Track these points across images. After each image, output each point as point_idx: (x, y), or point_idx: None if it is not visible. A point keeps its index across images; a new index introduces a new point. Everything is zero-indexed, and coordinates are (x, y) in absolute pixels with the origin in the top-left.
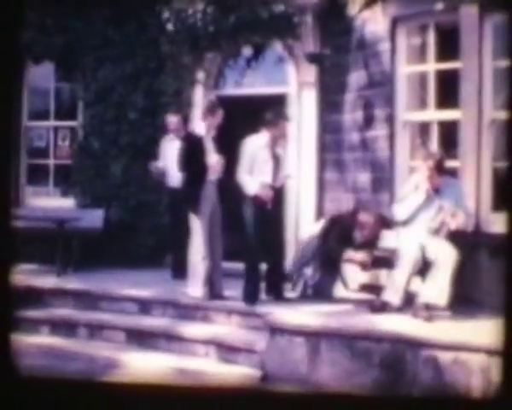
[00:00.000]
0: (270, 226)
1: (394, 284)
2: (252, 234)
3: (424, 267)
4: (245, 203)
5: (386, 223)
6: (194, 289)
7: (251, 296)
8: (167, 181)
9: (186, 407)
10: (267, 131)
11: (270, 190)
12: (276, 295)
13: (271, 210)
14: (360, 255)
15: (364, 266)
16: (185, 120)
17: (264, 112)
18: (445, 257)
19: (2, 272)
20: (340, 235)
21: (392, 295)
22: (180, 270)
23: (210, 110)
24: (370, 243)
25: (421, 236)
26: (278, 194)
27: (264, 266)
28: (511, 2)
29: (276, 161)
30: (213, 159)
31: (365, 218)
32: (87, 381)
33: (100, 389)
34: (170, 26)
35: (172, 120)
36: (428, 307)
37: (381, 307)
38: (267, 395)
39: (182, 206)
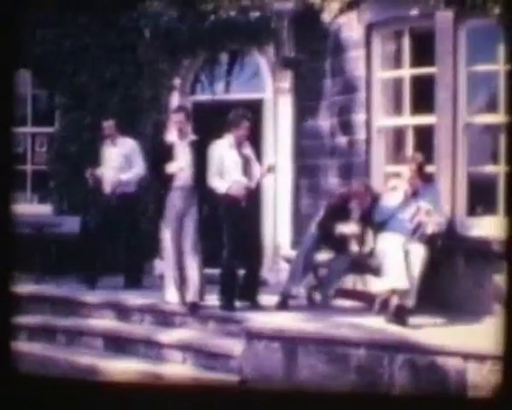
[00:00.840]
0: (246, 228)
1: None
2: (227, 237)
3: None
4: (219, 206)
5: (374, 194)
6: (171, 294)
7: (228, 302)
8: (103, 188)
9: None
10: (230, 133)
11: (243, 188)
12: (251, 302)
13: (246, 210)
14: (350, 227)
15: (355, 238)
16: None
17: (226, 115)
18: (414, 257)
19: (4, 277)
20: (337, 216)
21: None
22: (93, 280)
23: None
24: (366, 214)
25: (400, 237)
26: (253, 194)
27: (240, 271)
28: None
29: (246, 161)
30: (172, 167)
31: (358, 187)
32: (86, 381)
33: (99, 389)
34: (147, 32)
35: (106, 125)
36: (401, 310)
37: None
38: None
39: (115, 213)
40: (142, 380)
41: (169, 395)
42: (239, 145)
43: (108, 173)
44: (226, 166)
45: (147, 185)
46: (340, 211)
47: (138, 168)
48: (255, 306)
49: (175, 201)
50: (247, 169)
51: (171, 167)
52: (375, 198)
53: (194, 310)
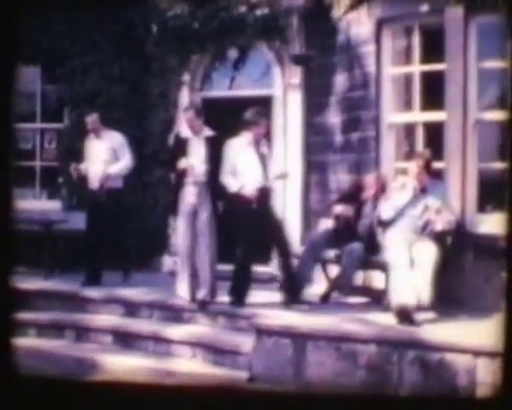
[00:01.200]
0: (264, 227)
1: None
2: (241, 236)
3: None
4: (232, 204)
5: (384, 184)
6: (182, 289)
7: (238, 299)
8: (88, 183)
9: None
10: (248, 131)
11: (256, 188)
12: (294, 299)
13: (260, 209)
14: (343, 208)
15: (347, 220)
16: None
17: (243, 113)
18: (426, 255)
19: (3, 274)
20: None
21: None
22: (93, 277)
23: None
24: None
25: (407, 235)
26: (268, 193)
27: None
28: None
29: (263, 159)
30: (183, 163)
31: (369, 179)
32: (86, 381)
33: (100, 389)
34: (155, 28)
35: (90, 119)
36: (411, 308)
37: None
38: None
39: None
40: (148, 378)
41: (172, 394)
42: (257, 143)
43: (94, 168)
44: (242, 165)
45: (153, 180)
46: (351, 199)
47: (126, 161)
48: (303, 302)
49: (189, 196)
50: (264, 168)
51: (181, 163)
52: (385, 186)
53: (204, 307)
